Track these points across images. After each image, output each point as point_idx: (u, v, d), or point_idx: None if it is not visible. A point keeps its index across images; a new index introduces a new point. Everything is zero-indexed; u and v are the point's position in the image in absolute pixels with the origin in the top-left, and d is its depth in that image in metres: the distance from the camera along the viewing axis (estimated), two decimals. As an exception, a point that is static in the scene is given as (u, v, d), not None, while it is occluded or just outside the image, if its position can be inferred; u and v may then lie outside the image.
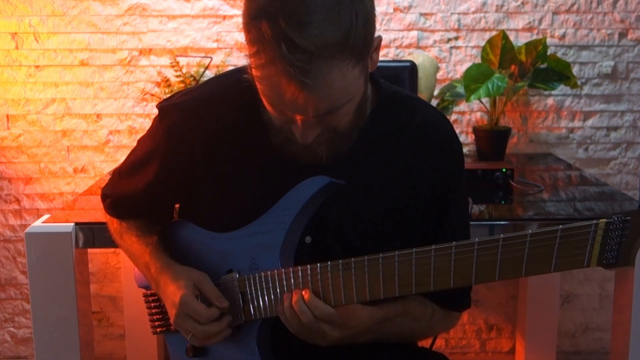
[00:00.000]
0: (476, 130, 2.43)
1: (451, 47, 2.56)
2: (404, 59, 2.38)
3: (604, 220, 1.05)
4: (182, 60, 2.48)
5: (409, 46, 2.54)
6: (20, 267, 2.68)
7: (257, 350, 1.26)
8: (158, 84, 2.54)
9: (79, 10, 2.50)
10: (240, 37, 2.52)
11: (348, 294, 1.18)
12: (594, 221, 1.05)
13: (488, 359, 2.78)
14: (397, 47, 2.54)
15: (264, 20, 1.03)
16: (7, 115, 2.57)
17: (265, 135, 1.23)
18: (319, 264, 1.18)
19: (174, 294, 1.24)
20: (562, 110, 2.62)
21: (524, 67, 2.31)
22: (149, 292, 1.43)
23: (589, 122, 2.63)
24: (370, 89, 1.27)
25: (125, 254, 1.45)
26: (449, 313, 1.39)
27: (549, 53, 2.34)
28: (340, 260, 1.17)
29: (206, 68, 2.45)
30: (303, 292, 1.18)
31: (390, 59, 2.51)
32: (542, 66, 2.31)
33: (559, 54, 2.53)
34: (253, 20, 1.05)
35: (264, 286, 1.23)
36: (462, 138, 2.59)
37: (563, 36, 2.56)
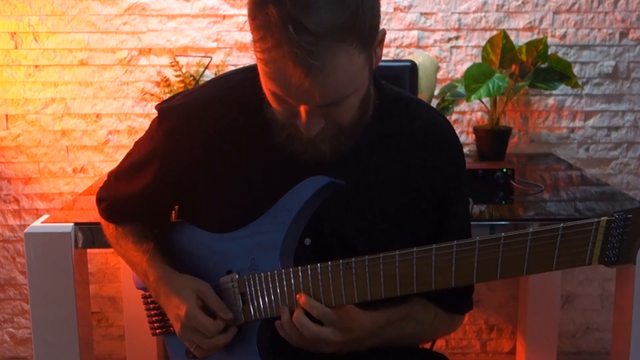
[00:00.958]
0: (477, 130, 2.42)
1: (452, 47, 2.56)
2: (404, 58, 2.38)
3: (605, 218, 1.05)
4: (182, 60, 2.48)
5: (409, 46, 2.54)
6: (20, 268, 2.67)
7: (257, 350, 1.26)
8: (158, 84, 2.54)
9: (78, 9, 2.50)
10: (240, 37, 2.53)
11: (349, 294, 1.17)
12: (596, 219, 1.05)
13: (488, 359, 2.78)
14: (397, 47, 2.53)
15: (270, 3, 1.03)
16: (6, 115, 2.56)
17: (268, 134, 1.22)
18: (319, 264, 1.18)
19: (178, 307, 1.23)
20: (562, 110, 2.62)
21: (525, 66, 2.30)
22: (147, 293, 1.42)
23: (590, 122, 2.62)
24: (372, 88, 1.26)
25: (122, 259, 1.44)
26: (452, 316, 1.38)
27: (549, 53, 2.34)
28: (340, 260, 1.17)
29: (206, 68, 2.45)
30: (298, 296, 1.18)
31: (391, 58, 2.50)
32: (543, 66, 2.31)
33: (559, 54, 2.53)
34: (259, 5, 1.06)
35: (264, 287, 1.22)
36: (462, 138, 2.59)
37: (564, 36, 2.56)
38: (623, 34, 2.56)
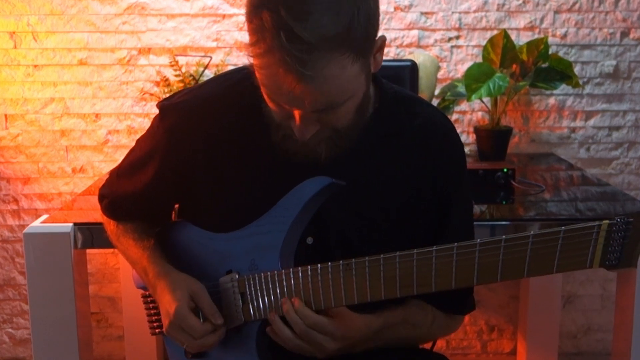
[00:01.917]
0: (477, 130, 2.42)
1: (452, 47, 2.55)
2: (404, 58, 2.37)
3: (607, 221, 1.05)
4: (182, 60, 2.48)
5: (409, 45, 2.54)
6: (19, 268, 2.67)
7: (257, 351, 1.25)
8: (157, 84, 2.53)
9: (77, 9, 2.49)
10: (240, 36, 2.52)
11: (349, 294, 1.17)
12: (597, 222, 1.05)
13: (489, 360, 2.78)
14: (397, 47, 2.53)
15: (265, 9, 1.03)
16: (6, 115, 2.56)
17: (266, 133, 1.22)
18: (319, 265, 1.17)
19: (169, 304, 1.23)
20: (563, 110, 2.61)
21: (526, 66, 2.30)
22: (147, 293, 1.42)
23: (591, 122, 2.62)
24: (372, 89, 1.26)
25: (122, 256, 1.44)
26: (452, 317, 1.38)
27: (550, 52, 2.33)
28: (340, 261, 1.16)
29: (205, 67, 2.44)
30: (293, 301, 1.18)
31: (391, 58, 2.50)
32: (544, 65, 2.30)
33: (560, 53, 2.52)
34: (255, 9, 1.05)
35: (264, 287, 1.22)
36: (463, 138, 2.58)
37: (565, 35, 2.55)
38: (624, 34, 2.56)
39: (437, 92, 2.37)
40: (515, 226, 1.79)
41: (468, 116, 2.60)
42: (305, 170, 1.20)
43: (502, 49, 2.29)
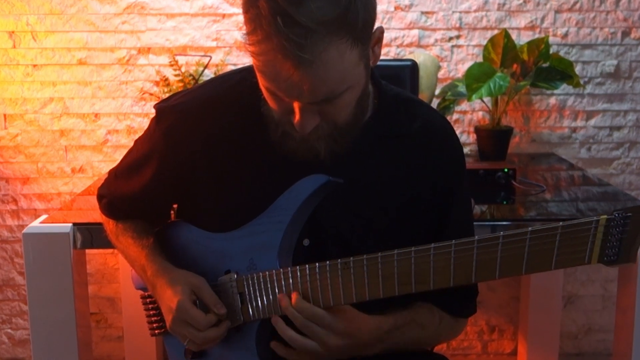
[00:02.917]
0: (478, 130, 2.42)
1: (453, 46, 2.55)
2: (405, 58, 2.37)
3: (605, 216, 1.04)
4: (181, 59, 2.47)
5: (410, 45, 2.53)
6: (18, 268, 2.66)
7: (256, 351, 1.25)
8: (157, 83, 2.53)
9: (76, 8, 2.49)
10: (240, 35, 2.51)
11: (347, 293, 1.16)
12: (595, 218, 1.05)
13: (490, 360, 2.78)
14: (398, 46, 2.52)
15: None
16: (5, 115, 2.55)
17: (264, 133, 1.22)
18: (317, 264, 1.17)
19: (171, 300, 1.23)
20: (564, 110, 2.60)
21: (526, 66, 2.29)
22: (146, 293, 1.42)
23: (592, 122, 2.61)
24: (372, 89, 1.26)
25: (121, 255, 1.44)
26: (456, 319, 1.37)
27: (551, 52, 2.33)
28: (339, 260, 1.16)
29: (205, 67, 2.44)
30: (291, 295, 1.17)
31: (391, 57, 2.49)
32: (545, 65, 2.30)
33: (561, 53, 2.52)
34: None
35: (263, 286, 1.22)
36: (463, 138, 2.58)
37: (565, 35, 2.55)
38: (625, 33, 2.55)
39: (437, 91, 2.37)
40: (516, 226, 1.79)
41: (468, 116, 2.59)
42: (304, 169, 1.20)
43: (502, 49, 2.29)
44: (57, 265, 1.76)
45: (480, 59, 2.43)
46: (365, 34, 1.10)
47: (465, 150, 2.58)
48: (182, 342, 1.26)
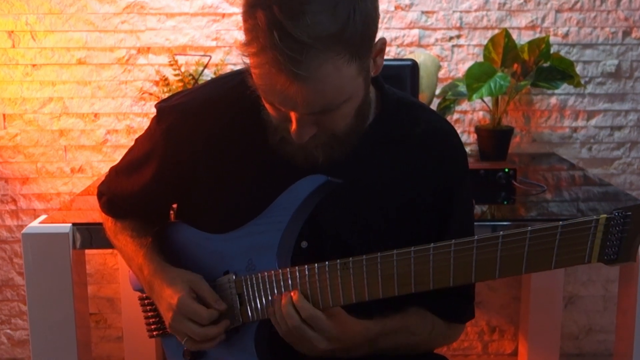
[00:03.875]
0: (478, 130, 2.41)
1: (453, 46, 2.54)
2: (405, 57, 2.37)
3: (605, 215, 1.04)
4: (181, 59, 2.47)
5: (410, 45, 2.53)
6: (17, 268, 2.66)
7: (255, 352, 1.24)
8: (156, 83, 2.52)
9: (76, 8, 2.49)
10: (240, 35, 2.50)
11: (347, 294, 1.16)
12: (595, 217, 1.04)
13: (490, 361, 2.77)
14: (398, 46, 2.52)
15: (260, 8, 1.02)
16: (4, 115, 2.55)
17: (263, 135, 1.22)
18: (316, 264, 1.17)
19: (171, 297, 1.23)
20: (565, 110, 2.60)
21: (527, 65, 2.29)
22: (144, 295, 1.41)
23: (593, 122, 2.61)
24: (374, 94, 1.26)
25: (119, 253, 1.44)
26: (451, 325, 1.36)
27: (552, 51, 2.32)
28: (338, 260, 1.16)
29: (205, 67, 2.43)
30: (292, 294, 1.17)
31: (392, 57, 2.49)
32: (545, 65, 2.29)
33: (562, 53, 2.51)
34: (250, 8, 1.05)
35: (262, 287, 1.21)
36: (464, 138, 2.58)
37: (566, 34, 2.54)
38: (626, 33, 2.55)
39: (438, 91, 2.36)
40: (517, 226, 1.74)
41: (469, 116, 2.59)
42: (303, 172, 1.19)
43: (503, 48, 2.28)
44: (56, 265, 1.75)
45: (480, 59, 2.43)
46: (365, 48, 1.09)
47: (466, 150, 2.57)
48: (181, 341, 1.25)
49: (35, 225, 1.79)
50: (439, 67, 2.37)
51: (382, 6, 2.44)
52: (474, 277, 1.11)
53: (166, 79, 2.46)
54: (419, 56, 2.21)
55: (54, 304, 1.77)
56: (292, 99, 1.06)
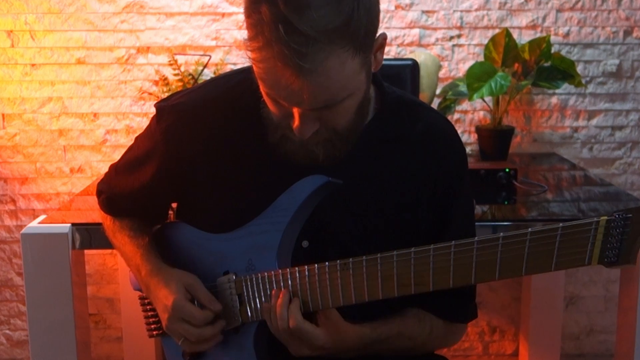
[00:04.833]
0: (479, 130, 2.41)
1: (453, 45, 2.54)
2: (405, 57, 2.36)
3: (605, 217, 1.04)
4: (181, 59, 2.46)
5: (410, 44, 2.52)
6: (16, 269, 2.65)
7: (255, 352, 1.24)
8: (156, 83, 2.52)
9: (75, 7, 2.48)
10: (240, 35, 2.51)
11: (346, 294, 1.16)
12: (595, 219, 1.04)
13: (491, 361, 2.77)
14: (398, 45, 2.51)
15: (264, 2, 1.02)
16: (3, 115, 2.54)
17: (263, 134, 1.21)
18: (316, 265, 1.17)
19: (166, 298, 1.23)
20: (566, 109, 2.59)
21: (528, 65, 2.29)
22: (144, 294, 1.40)
23: (594, 122, 2.60)
24: (374, 92, 1.26)
25: (117, 252, 1.44)
26: (453, 326, 1.35)
27: (552, 51, 2.32)
28: (338, 261, 1.15)
29: (205, 66, 2.43)
30: (293, 299, 1.17)
31: (392, 57, 2.48)
32: (546, 64, 2.29)
33: (563, 52, 2.51)
34: (254, 3, 1.05)
35: (261, 287, 1.21)
36: (464, 137, 2.57)
37: (567, 34, 2.54)
38: (627, 32, 2.54)
39: (438, 91, 2.36)
40: (517, 227, 1.78)
41: (470, 116, 2.58)
42: (303, 171, 1.19)
43: (504, 48, 2.28)
44: (55, 265, 1.75)
45: (481, 59, 2.42)
46: (368, 42, 1.09)
47: (467, 150, 2.56)
48: (177, 342, 1.25)
49: (35, 225, 1.79)
50: (440, 67, 2.37)
51: (383, 6, 2.44)
52: (474, 279, 1.10)
53: (166, 79, 2.46)
54: (420, 56, 2.20)
55: (53, 305, 1.76)
56: (296, 94, 1.06)
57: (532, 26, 2.53)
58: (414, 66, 1.98)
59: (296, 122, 1.11)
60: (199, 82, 2.34)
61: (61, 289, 1.76)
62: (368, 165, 1.25)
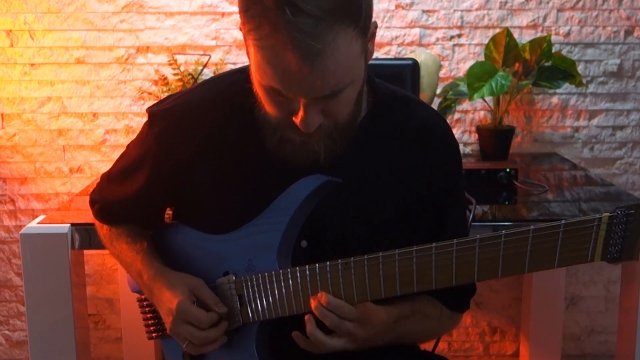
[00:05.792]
0: (479, 130, 2.40)
1: (454, 45, 2.53)
2: (405, 57, 2.36)
3: (607, 214, 1.04)
4: (180, 58, 2.46)
5: (411, 44, 2.51)
6: (15, 269, 2.65)
7: (256, 353, 1.24)
8: (155, 83, 2.51)
9: (75, 7, 2.48)
10: (239, 34, 2.49)
11: (348, 294, 1.16)
12: (597, 215, 1.04)
13: (491, 362, 2.76)
14: (398, 45, 2.51)
15: None
16: (2, 114, 2.54)
17: (259, 138, 1.21)
18: (317, 265, 1.16)
19: (170, 301, 1.22)
20: (567, 109, 2.59)
21: (528, 65, 2.28)
22: (143, 296, 1.41)
23: (595, 121, 2.60)
24: (365, 88, 1.25)
25: (116, 260, 1.43)
26: (452, 314, 1.38)
27: (553, 51, 2.32)
28: (339, 260, 1.15)
29: (204, 66, 2.42)
30: (319, 296, 1.16)
31: (392, 56, 2.48)
32: (547, 64, 2.29)
33: (563, 52, 2.50)
34: None
35: (262, 288, 1.21)
36: (465, 137, 2.57)
37: (568, 34, 2.53)
38: (628, 32, 2.54)
39: (438, 91, 2.35)
40: (518, 227, 1.75)
41: (470, 115, 2.58)
42: (301, 171, 1.19)
43: (504, 48, 2.28)
44: (54, 266, 1.75)
45: (481, 58, 2.42)
46: (367, 24, 1.10)
47: (467, 150, 2.57)
48: (182, 345, 1.25)
49: (34, 225, 1.79)
50: (440, 67, 2.36)
51: (383, 5, 2.43)
52: (477, 277, 1.11)
53: (165, 79, 2.45)
54: (420, 55, 2.20)
55: (53, 305, 1.76)
56: (306, 79, 1.05)
57: (533, 26, 2.53)
58: (414, 66, 1.98)
59: (301, 115, 1.11)
60: (199, 82, 2.33)
61: (60, 289, 1.76)
62: (364, 163, 1.25)
